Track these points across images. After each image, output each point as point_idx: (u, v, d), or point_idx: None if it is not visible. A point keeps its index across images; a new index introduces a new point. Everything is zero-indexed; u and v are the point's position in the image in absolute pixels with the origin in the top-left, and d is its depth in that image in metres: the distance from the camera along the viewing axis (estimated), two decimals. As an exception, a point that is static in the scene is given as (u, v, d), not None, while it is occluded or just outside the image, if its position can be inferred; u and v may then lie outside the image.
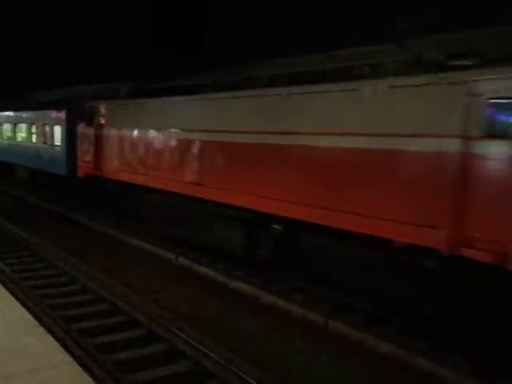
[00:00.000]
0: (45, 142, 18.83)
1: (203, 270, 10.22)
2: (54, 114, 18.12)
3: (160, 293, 8.98)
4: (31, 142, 20.21)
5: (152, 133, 12.07)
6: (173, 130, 11.37)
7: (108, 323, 7.38)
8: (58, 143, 17.66)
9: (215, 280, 9.76)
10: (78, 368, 4.43)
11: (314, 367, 6.37)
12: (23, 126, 21.39)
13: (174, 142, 11.28)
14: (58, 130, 17.72)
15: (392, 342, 6.76)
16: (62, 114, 17.28)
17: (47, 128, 18.67)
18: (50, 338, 5.09)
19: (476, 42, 6.76)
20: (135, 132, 12.77)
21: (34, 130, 19.97)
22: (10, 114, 22.97)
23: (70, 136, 16.60)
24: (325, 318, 7.61)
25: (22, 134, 21.62)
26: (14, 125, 22.26)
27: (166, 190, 11.44)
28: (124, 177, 13.21)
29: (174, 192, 11.18)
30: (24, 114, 21.25)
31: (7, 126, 23.44)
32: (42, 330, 5.33)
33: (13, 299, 6.51)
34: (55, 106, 18.28)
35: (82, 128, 15.53)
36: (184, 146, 10.88)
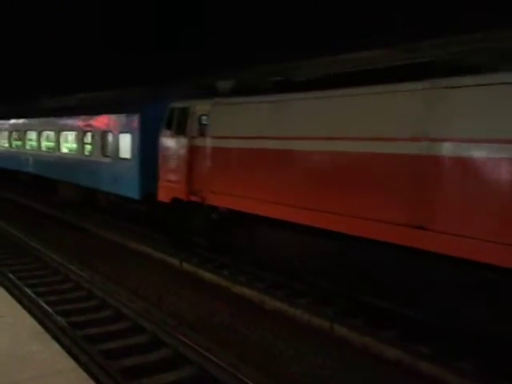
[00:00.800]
0: (105, 155, 15.01)
1: (207, 275, 10.22)
2: (119, 118, 14.37)
3: (164, 298, 9.00)
4: (83, 154, 16.41)
5: (306, 144, 8.22)
6: (353, 139, 7.44)
7: (113, 329, 7.40)
8: (127, 156, 13.77)
9: (219, 285, 9.78)
10: (83, 374, 4.45)
11: (319, 372, 6.36)
12: (71, 135, 17.68)
13: (354, 159, 7.43)
14: (126, 140, 13.83)
15: (396, 347, 6.74)
16: (134, 119, 13.48)
17: (109, 137, 14.82)
18: (55, 345, 5.12)
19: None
20: (270, 143, 8.90)
21: (87, 139, 16.16)
22: (52, 119, 18.98)
23: (144, 147, 13.01)
24: (330, 322, 7.60)
25: (68, 145, 17.96)
26: (58, 133, 18.37)
27: (342, 232, 7.53)
28: (248, 206, 9.37)
29: (359, 236, 7.29)
30: (71, 120, 17.36)
31: (48, 135, 19.38)
32: (47, 336, 5.36)
33: (18, 306, 6.54)
34: (120, 108, 14.73)
35: (167, 137, 11.74)
36: (382, 164, 7.02)
